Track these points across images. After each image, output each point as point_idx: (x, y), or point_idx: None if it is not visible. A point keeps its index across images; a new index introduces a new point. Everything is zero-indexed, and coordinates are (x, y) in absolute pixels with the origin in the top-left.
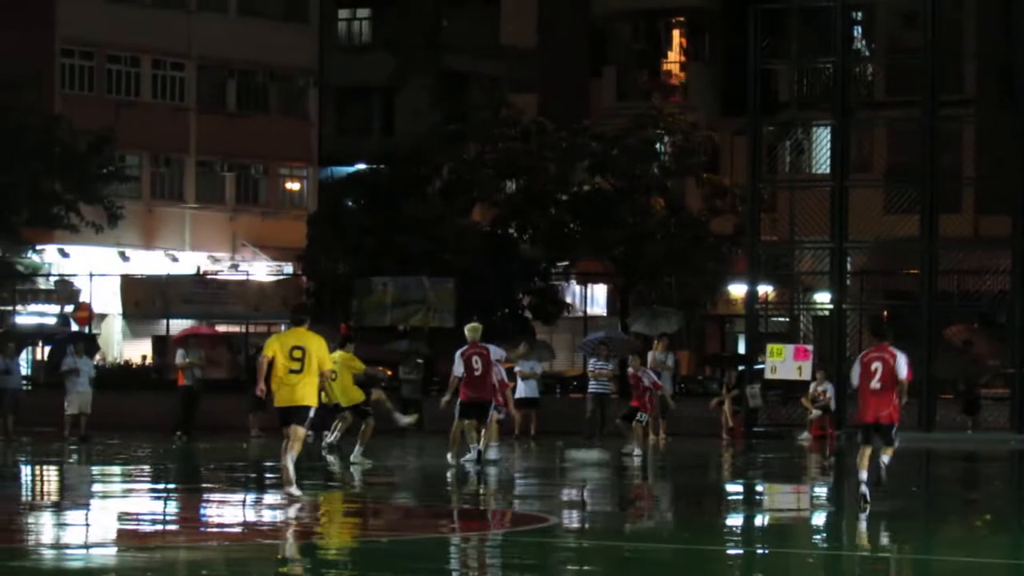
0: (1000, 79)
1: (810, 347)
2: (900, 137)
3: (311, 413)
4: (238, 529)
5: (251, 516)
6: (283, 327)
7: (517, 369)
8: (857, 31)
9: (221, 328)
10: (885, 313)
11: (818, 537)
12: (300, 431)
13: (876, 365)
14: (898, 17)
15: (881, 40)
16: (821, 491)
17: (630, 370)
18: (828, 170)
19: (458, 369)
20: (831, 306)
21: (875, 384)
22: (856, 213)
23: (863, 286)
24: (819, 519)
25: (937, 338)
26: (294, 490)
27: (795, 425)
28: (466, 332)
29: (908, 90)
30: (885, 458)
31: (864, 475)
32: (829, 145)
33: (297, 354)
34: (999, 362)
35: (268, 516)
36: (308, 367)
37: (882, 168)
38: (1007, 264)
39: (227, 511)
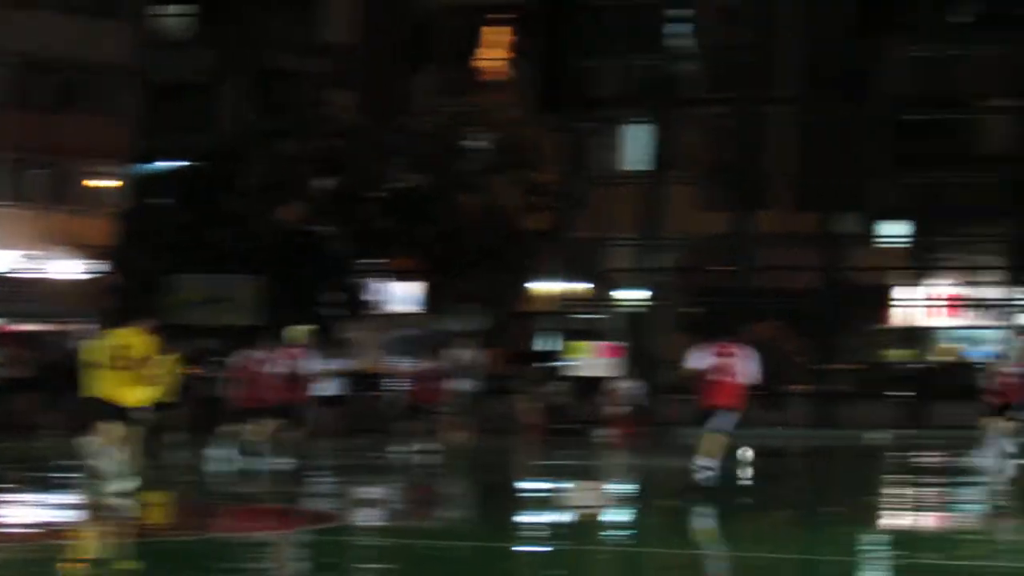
0: (817, 76)
1: (620, 344)
2: (717, 134)
3: (136, 411)
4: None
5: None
6: (94, 325)
7: (320, 368)
8: (677, 29)
9: (26, 327)
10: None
11: (616, 533)
12: (120, 429)
13: (724, 359)
14: (719, 15)
15: (702, 38)
16: (623, 488)
17: (431, 365)
18: (645, 167)
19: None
20: (643, 303)
21: (718, 376)
22: (671, 210)
23: (676, 283)
24: (617, 515)
25: (749, 333)
26: (115, 486)
27: (599, 422)
28: (287, 335)
29: (727, 87)
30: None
31: (707, 462)
32: (647, 142)
33: (122, 352)
34: (805, 357)
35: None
36: (132, 365)
37: (699, 165)
38: (818, 259)
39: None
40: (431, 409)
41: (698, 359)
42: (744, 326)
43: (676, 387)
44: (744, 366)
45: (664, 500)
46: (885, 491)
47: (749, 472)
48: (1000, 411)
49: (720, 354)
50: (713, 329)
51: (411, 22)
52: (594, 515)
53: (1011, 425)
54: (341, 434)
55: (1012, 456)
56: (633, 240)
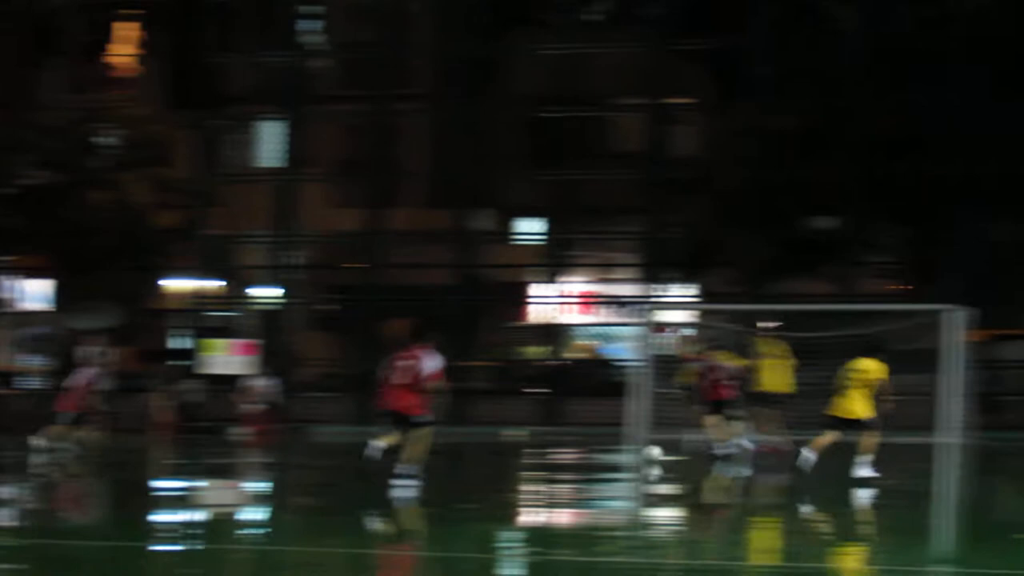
0: (449, 76)
1: (254, 341)
2: (350, 131)
3: None
4: None
5: None
6: None
7: None
8: (310, 26)
9: None
10: (329, 307)
11: (250, 532)
12: None
13: (403, 363)
14: (351, 12)
15: (334, 35)
16: (258, 486)
17: (85, 372)
18: (278, 164)
19: None
20: (276, 300)
21: (400, 380)
22: (304, 207)
23: (309, 280)
24: (251, 514)
25: (380, 332)
26: None
27: (234, 420)
28: None
29: (359, 84)
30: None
31: (410, 468)
32: (279, 139)
33: None
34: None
35: None
36: None
37: (331, 162)
38: (451, 257)
39: None
40: (78, 411)
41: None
42: (380, 323)
43: (311, 385)
44: (428, 367)
45: (300, 498)
46: (521, 488)
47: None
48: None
49: (402, 358)
50: (350, 327)
51: (35, 16)
52: (229, 513)
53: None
54: None
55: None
56: (267, 237)
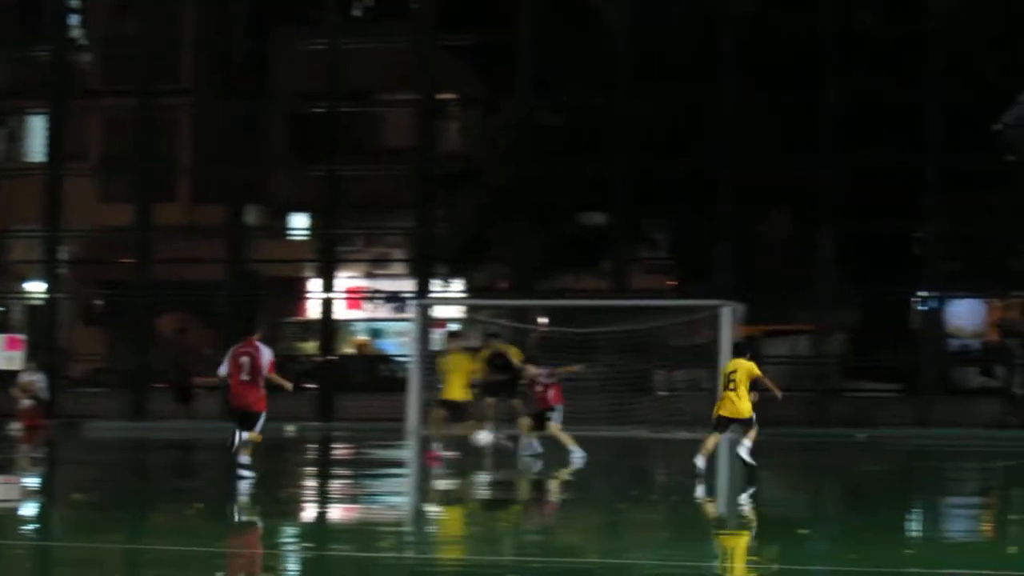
0: (216, 70)
1: (22, 336)
2: (117, 126)
3: None
4: None
5: None
6: None
7: None
8: (74, 20)
9: None
10: (98, 302)
11: (26, 528)
12: None
13: (244, 359)
14: (116, 5)
15: (97, 29)
16: (33, 481)
17: None
18: (43, 158)
19: None
20: (44, 295)
21: (244, 376)
22: (71, 202)
23: (78, 275)
24: (27, 510)
25: (152, 327)
26: None
27: (5, 415)
28: None
29: (125, 79)
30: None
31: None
32: (45, 133)
33: None
34: (212, 350)
35: None
36: None
37: (98, 157)
38: (222, 252)
39: None
40: None
41: (223, 365)
42: (151, 319)
43: (83, 380)
44: (266, 359)
45: (74, 494)
46: (298, 484)
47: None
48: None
49: (242, 353)
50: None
51: None
52: (10, 510)
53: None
54: None
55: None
56: (34, 232)
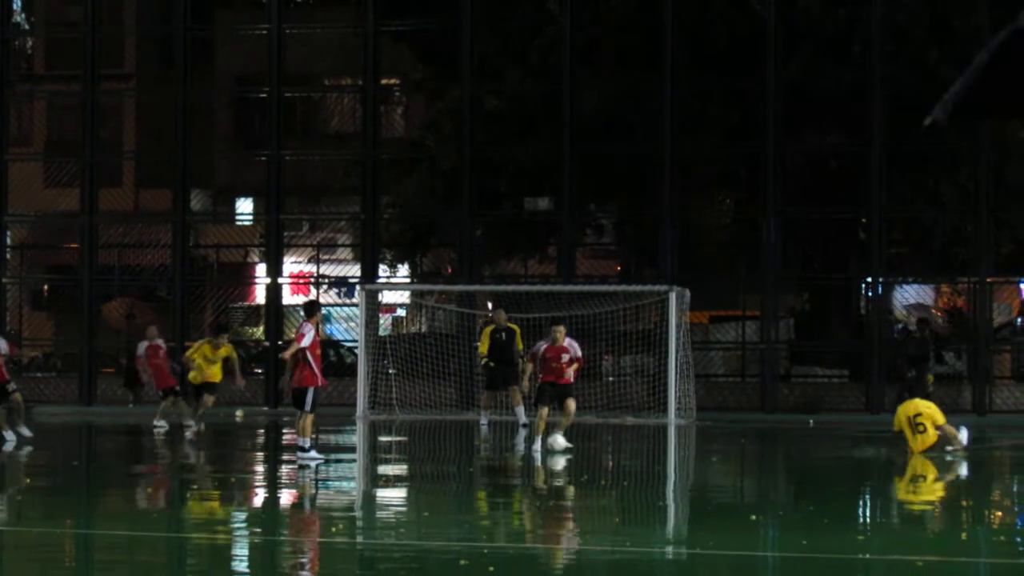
0: (160, 54)
1: None
2: (60, 111)
3: None
4: None
5: None
6: None
7: None
8: (17, 4)
9: None
10: (45, 288)
11: None
12: None
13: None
14: None
15: (40, 13)
16: None
17: None
18: None
19: None
20: None
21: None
22: (16, 187)
23: (24, 260)
24: None
25: (98, 312)
26: None
27: None
28: None
29: (69, 64)
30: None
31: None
32: None
33: None
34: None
35: None
36: None
37: (42, 142)
38: (168, 237)
39: None
40: None
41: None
42: (97, 304)
43: (30, 365)
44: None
45: (27, 479)
46: (244, 469)
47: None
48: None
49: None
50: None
51: None
52: None
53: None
54: None
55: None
56: None
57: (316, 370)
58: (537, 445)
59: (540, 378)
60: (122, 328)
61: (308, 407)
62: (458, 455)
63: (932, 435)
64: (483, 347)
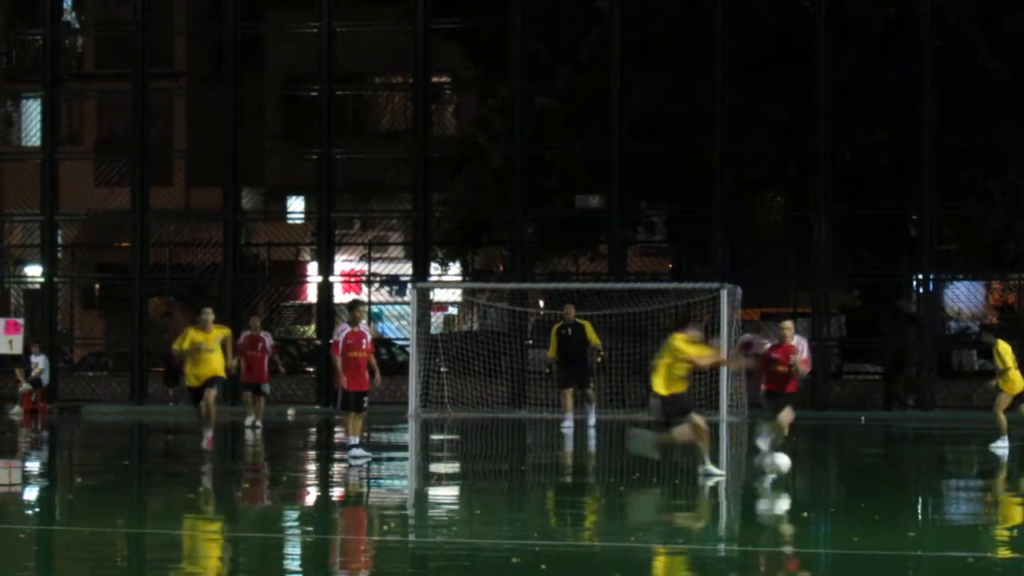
0: (210, 54)
1: (21, 320)
2: (111, 110)
3: None
4: None
5: None
6: None
7: None
8: (67, 3)
9: None
10: (96, 287)
11: (28, 512)
12: None
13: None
14: None
15: (91, 13)
16: (33, 465)
17: None
18: (38, 142)
19: None
20: (42, 279)
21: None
22: (67, 186)
23: (74, 259)
24: (28, 494)
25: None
26: None
27: (7, 399)
28: None
29: (119, 63)
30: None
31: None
32: (39, 117)
33: None
34: None
35: None
36: None
37: (93, 141)
38: (219, 235)
39: None
40: None
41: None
42: (147, 302)
43: (81, 363)
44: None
45: (76, 478)
46: (296, 468)
47: None
48: None
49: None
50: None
51: None
52: (14, 494)
53: None
54: None
55: None
56: (31, 216)
57: (340, 372)
58: (771, 460)
59: (762, 387)
60: (159, 325)
61: (338, 407)
62: (509, 452)
63: None
64: (551, 350)
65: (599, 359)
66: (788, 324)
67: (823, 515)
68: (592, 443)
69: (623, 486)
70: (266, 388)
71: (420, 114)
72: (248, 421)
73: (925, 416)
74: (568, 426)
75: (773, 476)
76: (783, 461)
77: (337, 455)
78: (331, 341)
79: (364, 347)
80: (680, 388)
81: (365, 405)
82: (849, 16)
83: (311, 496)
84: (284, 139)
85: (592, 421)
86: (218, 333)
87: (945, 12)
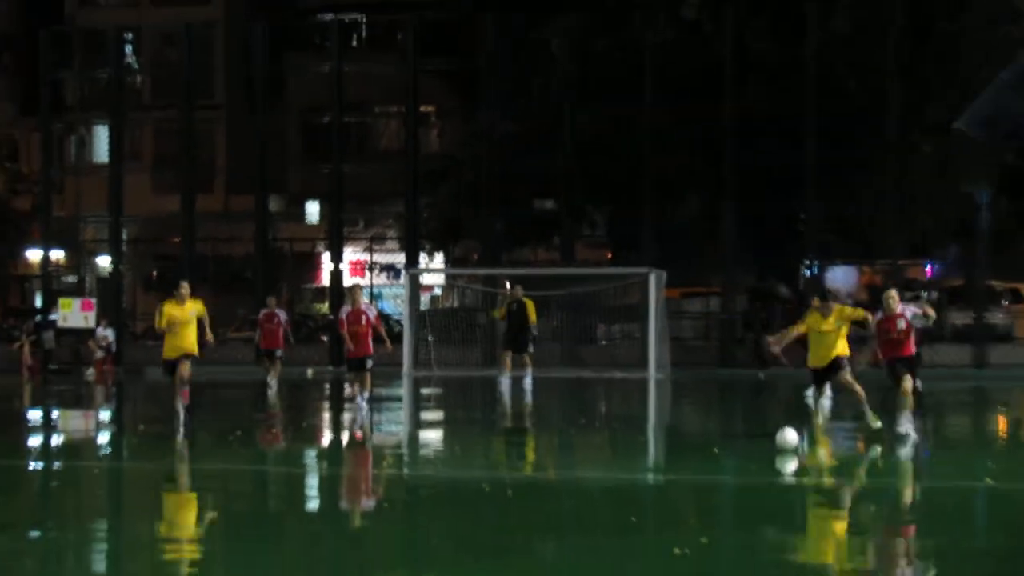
0: (243, 88)
1: (94, 300)
2: (164, 133)
3: None
4: None
5: None
6: None
7: None
8: (129, 49)
9: None
10: (153, 273)
11: (102, 452)
12: None
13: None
14: (160, 37)
15: (147, 55)
16: (106, 415)
17: None
18: (106, 159)
19: None
20: (111, 267)
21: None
22: (129, 194)
23: (136, 251)
24: (106, 438)
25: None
26: None
27: (83, 363)
28: None
29: (170, 95)
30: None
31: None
32: (107, 139)
33: None
34: (246, 312)
35: None
36: None
37: (150, 157)
38: (251, 232)
39: None
40: None
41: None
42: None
43: (142, 335)
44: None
45: (144, 425)
46: (317, 416)
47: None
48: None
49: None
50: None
51: None
52: (88, 438)
53: None
54: None
55: None
56: (102, 217)
57: (347, 342)
58: (905, 427)
59: (882, 357)
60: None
61: (347, 369)
62: (482, 404)
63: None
64: (499, 314)
65: (534, 335)
66: (892, 294)
67: (731, 451)
68: (529, 397)
69: (572, 429)
70: (279, 354)
71: (411, 137)
72: (269, 379)
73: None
74: (502, 382)
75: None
76: (791, 438)
77: (346, 406)
78: (338, 319)
79: (363, 323)
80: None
81: (368, 366)
82: (749, 56)
83: (325, 438)
84: (303, 156)
85: (527, 381)
86: (192, 307)
87: (823, 54)
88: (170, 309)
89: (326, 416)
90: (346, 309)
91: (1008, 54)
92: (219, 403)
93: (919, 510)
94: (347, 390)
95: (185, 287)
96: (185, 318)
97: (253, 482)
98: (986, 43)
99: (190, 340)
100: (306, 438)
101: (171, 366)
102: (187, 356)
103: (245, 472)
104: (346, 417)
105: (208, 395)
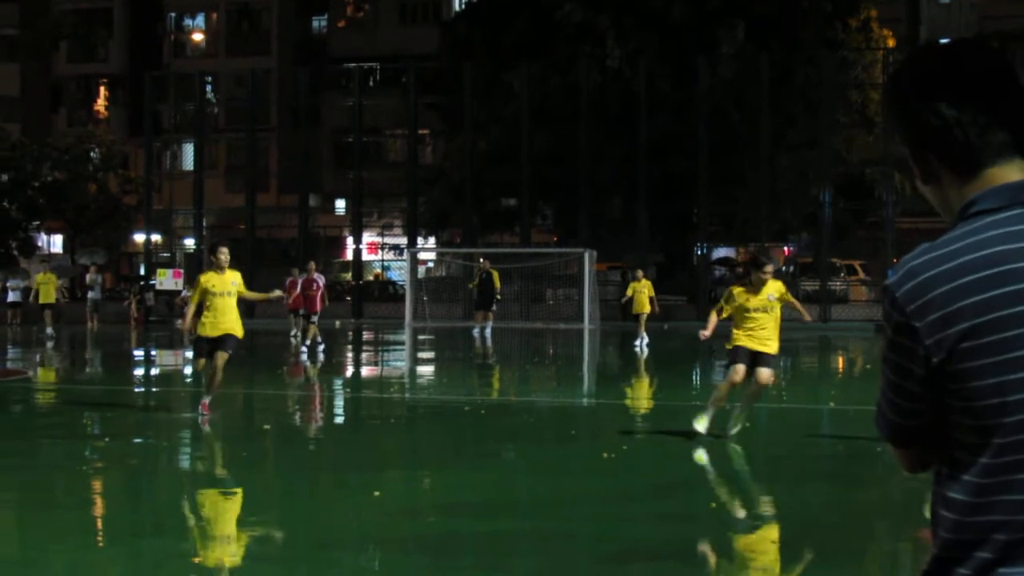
0: (290, 116)
1: (182, 270)
2: (233, 149)
3: None
4: None
5: None
6: None
7: (9, 284)
8: (208, 87)
9: None
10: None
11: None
12: None
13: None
14: (232, 78)
15: (222, 91)
16: (189, 353)
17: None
18: (191, 167)
19: None
20: (193, 247)
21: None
22: (209, 193)
23: (212, 234)
24: (188, 369)
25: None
26: None
27: (174, 316)
28: None
29: (238, 121)
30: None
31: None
32: (192, 153)
33: None
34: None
35: None
36: None
37: (223, 166)
38: (296, 222)
39: None
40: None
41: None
42: (256, 261)
43: None
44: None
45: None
46: (345, 354)
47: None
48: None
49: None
50: (240, 262)
51: (50, 80)
52: (177, 370)
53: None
54: None
55: None
56: (188, 210)
57: (297, 299)
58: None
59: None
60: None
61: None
62: (463, 347)
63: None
64: (473, 284)
65: (498, 297)
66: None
67: (637, 382)
68: (489, 342)
69: (528, 365)
70: (314, 318)
71: (412, 152)
72: (293, 332)
73: (701, 324)
74: (476, 332)
75: None
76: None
77: (302, 351)
78: (291, 281)
79: (314, 288)
80: None
81: (313, 320)
82: (657, 93)
83: (347, 372)
84: (333, 166)
85: (488, 330)
86: (233, 276)
87: (712, 92)
88: (209, 279)
89: (349, 358)
90: (303, 276)
91: (854, 91)
92: (274, 347)
93: (776, 426)
94: (296, 339)
95: (225, 252)
96: (227, 288)
97: (302, 403)
98: (838, 84)
99: (233, 317)
100: (329, 375)
101: (210, 346)
102: (228, 341)
103: (272, 396)
104: (366, 358)
105: (269, 342)
